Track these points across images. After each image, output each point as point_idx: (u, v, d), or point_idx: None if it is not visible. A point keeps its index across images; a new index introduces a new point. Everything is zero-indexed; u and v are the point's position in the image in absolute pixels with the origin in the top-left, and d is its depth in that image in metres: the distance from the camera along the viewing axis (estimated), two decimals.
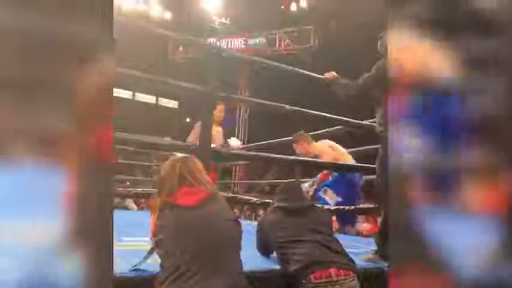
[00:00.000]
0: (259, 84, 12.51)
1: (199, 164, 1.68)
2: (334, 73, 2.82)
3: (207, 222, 1.49)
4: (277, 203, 2.10)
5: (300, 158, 3.39)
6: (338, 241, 1.97)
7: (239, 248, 1.56)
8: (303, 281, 1.70)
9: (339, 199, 3.36)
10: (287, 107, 2.83)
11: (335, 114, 3.18)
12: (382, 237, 2.34)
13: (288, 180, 4.05)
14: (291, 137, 3.88)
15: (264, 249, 2.12)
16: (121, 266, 1.62)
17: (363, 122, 3.46)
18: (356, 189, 3.55)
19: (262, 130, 13.28)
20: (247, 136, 11.52)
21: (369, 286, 1.93)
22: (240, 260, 1.53)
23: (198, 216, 1.48)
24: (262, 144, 5.11)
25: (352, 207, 3.13)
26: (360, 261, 2.16)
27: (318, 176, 3.70)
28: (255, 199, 2.97)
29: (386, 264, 2.26)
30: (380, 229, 2.40)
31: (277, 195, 2.17)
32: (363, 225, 3.19)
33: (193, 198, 1.52)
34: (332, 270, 1.70)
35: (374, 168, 2.62)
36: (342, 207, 3.14)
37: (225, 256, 1.45)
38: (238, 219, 1.64)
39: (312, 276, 1.69)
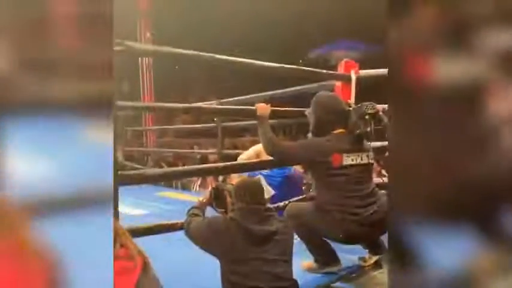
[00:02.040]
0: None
1: None
2: (265, 106, 2.30)
3: None
4: (236, 216, 1.69)
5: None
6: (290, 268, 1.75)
7: None
8: None
9: (273, 192, 2.91)
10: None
11: None
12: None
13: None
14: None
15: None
16: None
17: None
18: (297, 185, 3.18)
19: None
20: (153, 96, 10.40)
21: None
22: None
23: None
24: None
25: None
26: (301, 273, 2.05)
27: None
28: None
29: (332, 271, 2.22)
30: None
31: (236, 199, 1.74)
32: None
33: None
34: None
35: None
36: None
37: None
38: None
39: None
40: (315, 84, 3.13)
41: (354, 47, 12.91)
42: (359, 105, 2.20)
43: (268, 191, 2.93)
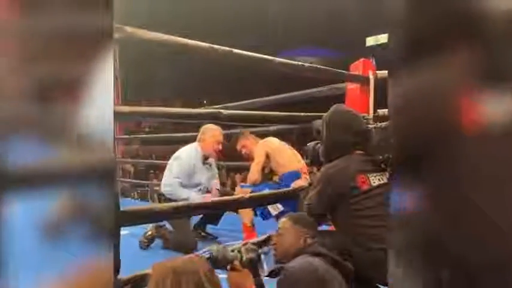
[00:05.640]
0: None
1: None
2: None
3: None
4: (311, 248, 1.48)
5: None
6: None
7: None
8: None
9: (281, 208, 2.67)
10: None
11: None
12: None
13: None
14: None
15: None
16: None
17: None
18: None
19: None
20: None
21: None
22: None
23: None
24: None
25: None
26: None
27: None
28: None
29: None
30: None
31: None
32: None
33: None
34: None
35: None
36: None
37: None
38: None
39: None
40: (324, 88, 2.83)
41: (316, 53, 12.89)
42: (383, 124, 1.82)
43: (276, 207, 2.72)
